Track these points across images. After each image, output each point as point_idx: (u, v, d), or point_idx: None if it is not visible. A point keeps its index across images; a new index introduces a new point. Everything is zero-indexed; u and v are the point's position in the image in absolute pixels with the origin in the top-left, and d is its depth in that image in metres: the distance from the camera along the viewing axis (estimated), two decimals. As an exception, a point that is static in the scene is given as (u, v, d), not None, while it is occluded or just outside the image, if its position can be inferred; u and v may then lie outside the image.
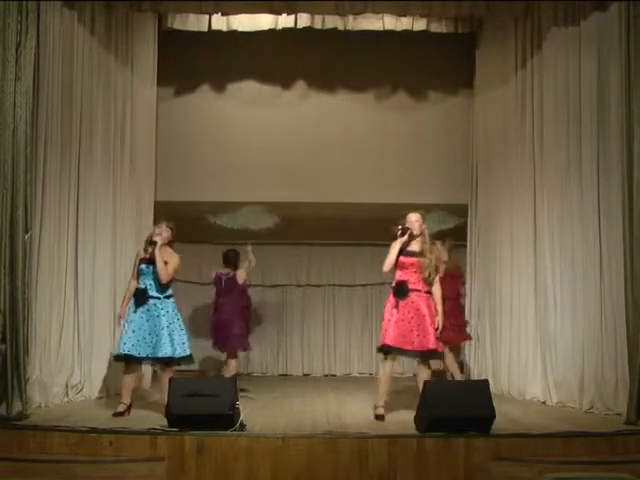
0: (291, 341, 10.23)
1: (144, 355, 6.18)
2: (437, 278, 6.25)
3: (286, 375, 10.02)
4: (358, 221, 9.30)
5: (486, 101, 8.41)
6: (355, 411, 6.58)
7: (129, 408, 6.25)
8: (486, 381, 5.90)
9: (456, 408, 5.35)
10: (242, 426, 5.42)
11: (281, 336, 10.18)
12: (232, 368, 7.87)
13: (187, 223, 9.04)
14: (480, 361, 8.24)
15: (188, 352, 6.29)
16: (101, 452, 5.20)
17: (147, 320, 6.20)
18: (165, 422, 5.46)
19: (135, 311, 6.23)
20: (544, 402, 7.09)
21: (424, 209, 7.97)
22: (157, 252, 6.21)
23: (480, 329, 8.30)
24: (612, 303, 6.44)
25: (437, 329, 6.12)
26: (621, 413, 6.06)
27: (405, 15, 7.89)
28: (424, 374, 6.09)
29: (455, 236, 8.21)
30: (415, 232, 6.21)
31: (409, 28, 8.26)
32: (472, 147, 8.64)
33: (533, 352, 7.38)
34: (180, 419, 5.36)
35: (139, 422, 5.73)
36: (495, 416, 5.40)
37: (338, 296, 10.33)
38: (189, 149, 9.00)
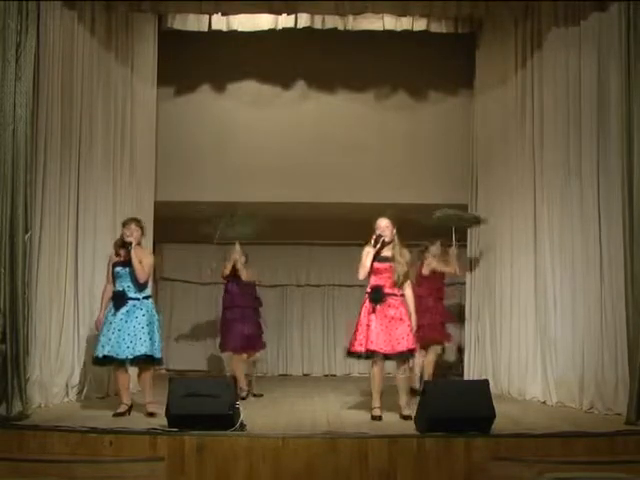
0: (291, 341, 10.25)
1: (123, 357, 6.15)
2: (408, 282, 6.32)
3: (286, 375, 10.04)
4: (358, 221, 9.27)
5: (486, 101, 8.41)
6: (355, 411, 6.58)
7: (130, 409, 6.25)
8: (486, 381, 5.89)
9: (456, 408, 5.34)
10: (242, 426, 5.42)
11: (281, 336, 10.21)
12: (232, 368, 7.86)
13: (187, 223, 9.07)
14: (480, 361, 8.24)
15: (161, 355, 6.29)
16: (101, 452, 5.20)
17: (126, 322, 6.18)
18: (164, 422, 5.46)
19: (114, 314, 6.20)
20: (544, 402, 7.10)
21: (424, 209, 8.04)
22: (133, 253, 6.20)
23: (480, 329, 8.31)
24: (612, 303, 6.43)
25: (412, 329, 6.20)
26: (621, 413, 6.05)
27: (405, 15, 7.88)
28: (403, 375, 6.22)
29: (455, 236, 8.21)
30: (387, 239, 6.28)
31: (409, 28, 8.25)
32: (472, 147, 8.64)
33: (533, 352, 7.38)
34: (180, 419, 5.35)
35: (139, 422, 5.73)
36: (495, 416, 5.39)
37: (338, 296, 10.35)
38: (189, 149, 8.98)
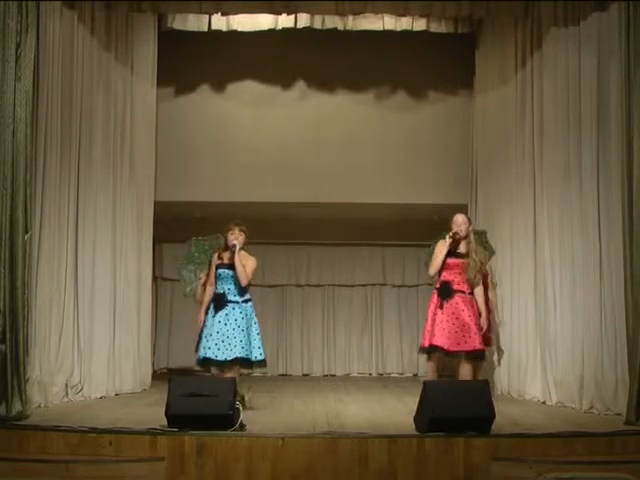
0: (291, 341, 10.25)
1: (222, 359, 6.30)
2: (481, 279, 6.41)
3: (286, 375, 10.03)
4: (358, 221, 9.29)
5: (486, 101, 8.41)
6: (355, 411, 6.58)
7: None
8: (486, 381, 5.89)
9: (456, 408, 5.34)
10: (242, 426, 5.41)
11: (281, 336, 10.20)
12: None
13: (187, 223, 9.08)
14: (480, 361, 8.24)
15: (263, 356, 6.44)
16: (101, 452, 5.19)
17: (225, 324, 6.34)
18: (164, 422, 5.46)
19: (214, 316, 6.37)
20: (544, 402, 7.09)
21: (424, 209, 8.05)
22: (237, 256, 6.35)
23: (480, 329, 8.31)
24: (612, 303, 6.43)
25: (482, 329, 6.29)
26: (621, 413, 6.04)
27: (405, 15, 7.89)
28: (466, 373, 6.24)
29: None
30: (462, 234, 6.35)
31: (409, 28, 8.26)
32: (472, 147, 8.65)
33: (533, 352, 7.38)
34: (180, 419, 5.35)
35: (139, 422, 5.73)
36: (495, 416, 5.39)
37: (338, 296, 10.35)
38: (189, 149, 8.99)
